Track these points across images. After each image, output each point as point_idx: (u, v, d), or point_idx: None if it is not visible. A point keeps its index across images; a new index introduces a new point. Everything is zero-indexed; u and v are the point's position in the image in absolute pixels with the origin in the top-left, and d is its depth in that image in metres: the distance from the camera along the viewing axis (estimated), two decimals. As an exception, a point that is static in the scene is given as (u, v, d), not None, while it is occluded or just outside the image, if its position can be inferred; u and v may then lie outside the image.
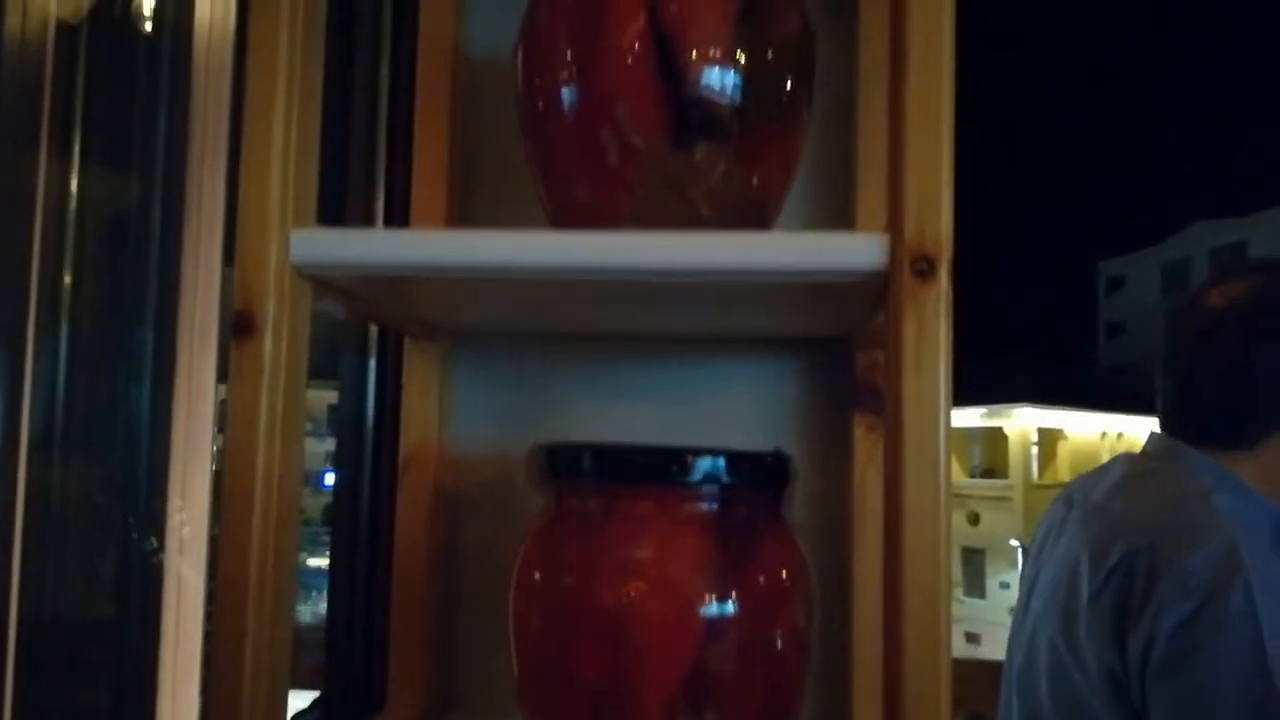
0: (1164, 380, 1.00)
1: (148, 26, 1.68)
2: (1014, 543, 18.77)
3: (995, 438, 20.56)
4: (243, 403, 0.50)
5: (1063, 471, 20.16)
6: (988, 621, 16.90)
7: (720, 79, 0.53)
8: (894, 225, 0.47)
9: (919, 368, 0.46)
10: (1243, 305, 0.94)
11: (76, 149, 1.62)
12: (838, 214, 0.73)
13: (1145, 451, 1.00)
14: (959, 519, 18.92)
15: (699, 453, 0.52)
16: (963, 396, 19.22)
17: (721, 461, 0.52)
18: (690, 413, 0.75)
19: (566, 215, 0.57)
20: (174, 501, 1.16)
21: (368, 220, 0.83)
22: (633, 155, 0.53)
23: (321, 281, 0.54)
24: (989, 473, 20.57)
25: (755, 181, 0.56)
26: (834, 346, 0.72)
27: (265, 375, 0.50)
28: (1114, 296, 29.44)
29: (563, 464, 0.55)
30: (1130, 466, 0.98)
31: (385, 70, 0.90)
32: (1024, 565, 1.08)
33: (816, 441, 0.73)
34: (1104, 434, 20.76)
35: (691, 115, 0.52)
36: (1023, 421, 20.13)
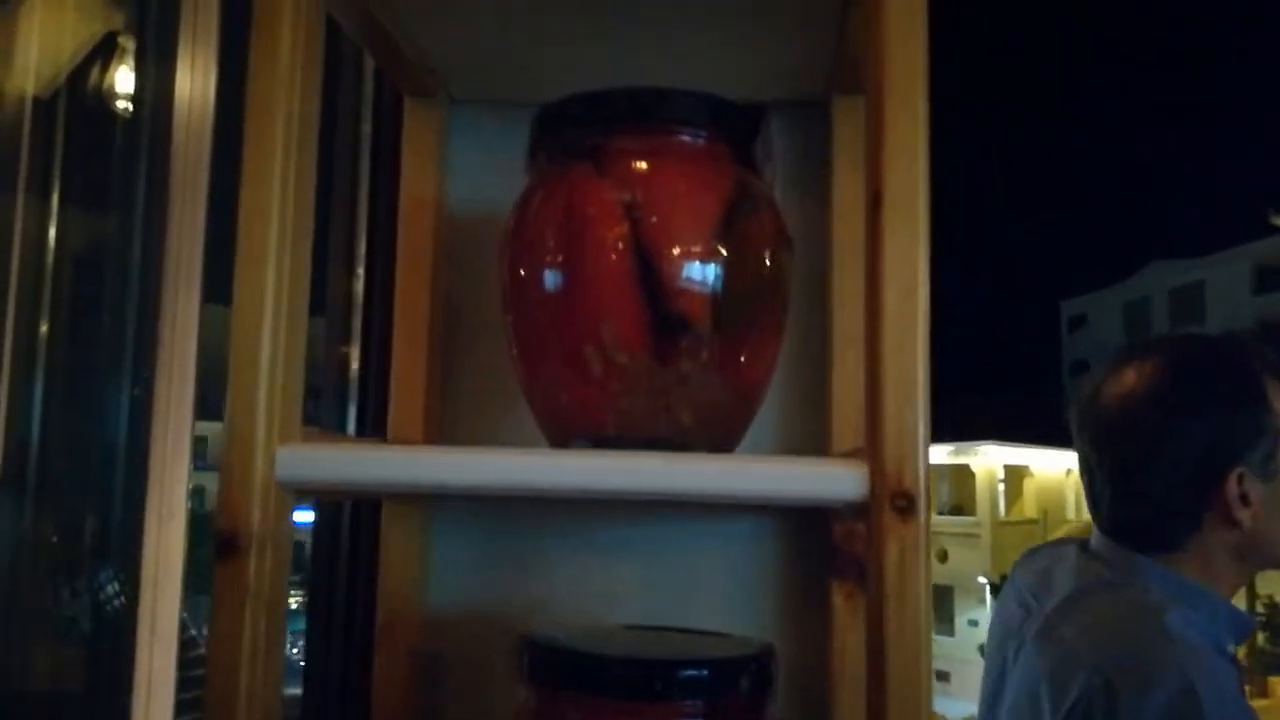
0: (1096, 476, 0.99)
1: (126, 104, 1.68)
2: (982, 579, 18.84)
3: (963, 475, 20.71)
4: (226, 623, 0.50)
5: (1029, 508, 20.32)
6: (956, 659, 16.90)
7: (701, 290, 0.54)
8: (873, 457, 0.48)
9: (901, 598, 0.47)
10: (1155, 390, 0.94)
11: (52, 229, 1.61)
12: (812, 403, 0.74)
13: (1092, 553, 0.99)
14: (927, 556, 18.95)
15: (684, 664, 0.52)
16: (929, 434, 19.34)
17: (706, 672, 0.52)
18: (670, 570, 0.75)
19: (551, 418, 0.58)
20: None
21: (341, 401, 0.85)
22: (617, 369, 0.53)
23: (303, 491, 0.54)
24: (957, 509, 20.70)
25: (735, 387, 0.57)
26: (811, 510, 0.73)
27: (250, 594, 0.50)
28: (1077, 334, 29.89)
29: (543, 668, 0.55)
30: (1080, 577, 0.98)
31: (363, 241, 0.91)
32: (986, 660, 1.08)
33: (795, 601, 0.74)
34: (1069, 471, 20.96)
35: (674, 330, 0.53)
36: (989, 459, 20.30)
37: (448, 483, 0.51)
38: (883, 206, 0.49)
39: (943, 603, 18.64)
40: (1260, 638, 14.71)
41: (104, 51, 1.70)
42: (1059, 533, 19.38)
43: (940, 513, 20.30)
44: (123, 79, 1.66)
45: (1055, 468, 20.91)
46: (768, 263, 0.58)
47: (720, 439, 0.58)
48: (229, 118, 1.42)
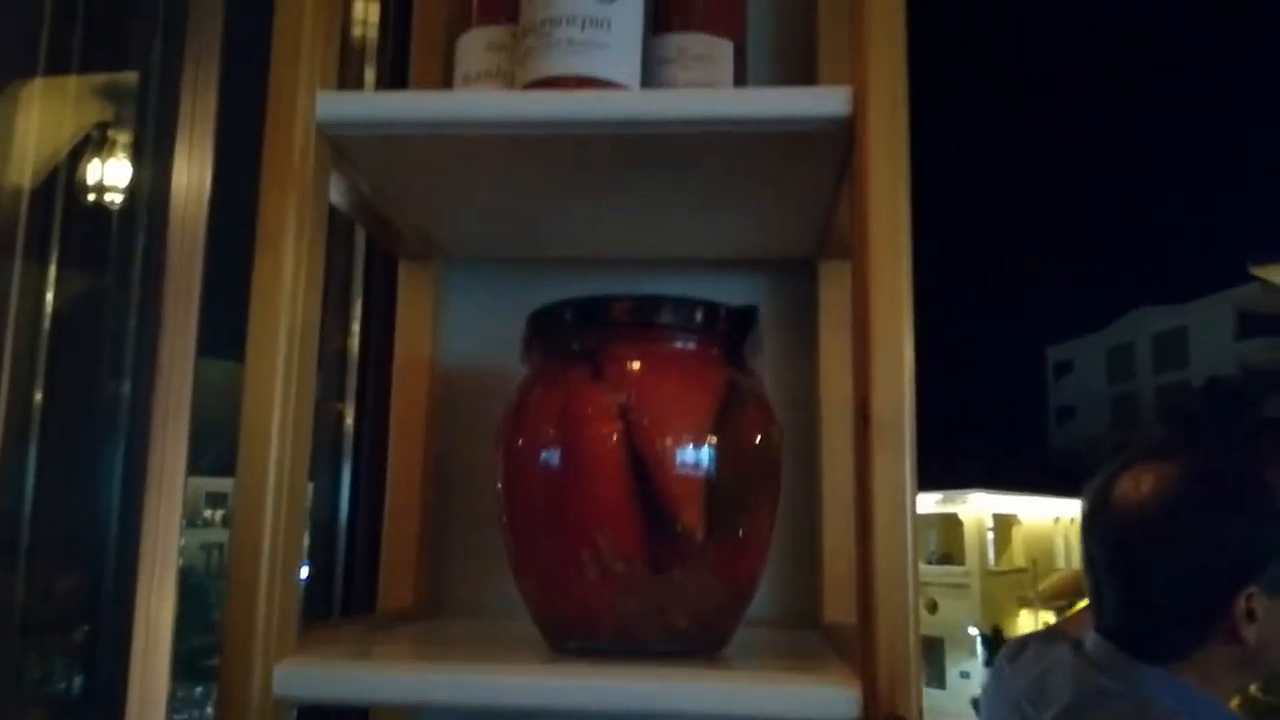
0: (1103, 579, 0.98)
1: (122, 195, 1.70)
2: (972, 630, 18.74)
3: (950, 524, 20.66)
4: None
5: (1019, 557, 20.27)
6: (948, 713, 16.74)
7: (695, 491, 0.55)
8: (866, 680, 0.49)
9: (895, 822, 0.48)
10: (1173, 500, 0.94)
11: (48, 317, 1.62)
12: (803, 567, 0.75)
13: (1089, 657, 0.98)
14: (917, 606, 18.84)
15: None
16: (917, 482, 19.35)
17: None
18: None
19: (544, 613, 0.58)
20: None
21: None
22: (612, 576, 0.54)
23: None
24: (945, 559, 20.62)
25: (730, 584, 0.58)
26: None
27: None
28: (1062, 381, 30.06)
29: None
30: (1078, 684, 0.97)
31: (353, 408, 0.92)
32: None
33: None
34: (1057, 519, 20.98)
35: (669, 538, 0.54)
36: (977, 507, 20.29)
37: (439, 701, 0.51)
38: (871, 427, 0.51)
39: (933, 655, 18.49)
40: None
41: (100, 143, 1.72)
42: (1048, 581, 19.33)
43: (928, 562, 20.22)
44: (119, 170, 1.68)
45: (1044, 515, 20.91)
46: (759, 457, 0.59)
47: (715, 635, 0.58)
48: (223, 209, 1.43)
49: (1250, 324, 23.65)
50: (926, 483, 19.52)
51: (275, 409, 0.53)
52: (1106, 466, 1.03)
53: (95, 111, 1.75)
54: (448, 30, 0.76)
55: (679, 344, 0.58)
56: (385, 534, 0.76)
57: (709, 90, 0.59)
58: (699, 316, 0.58)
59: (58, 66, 1.65)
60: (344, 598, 0.87)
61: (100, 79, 1.77)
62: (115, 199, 1.67)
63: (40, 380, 1.53)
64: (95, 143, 1.74)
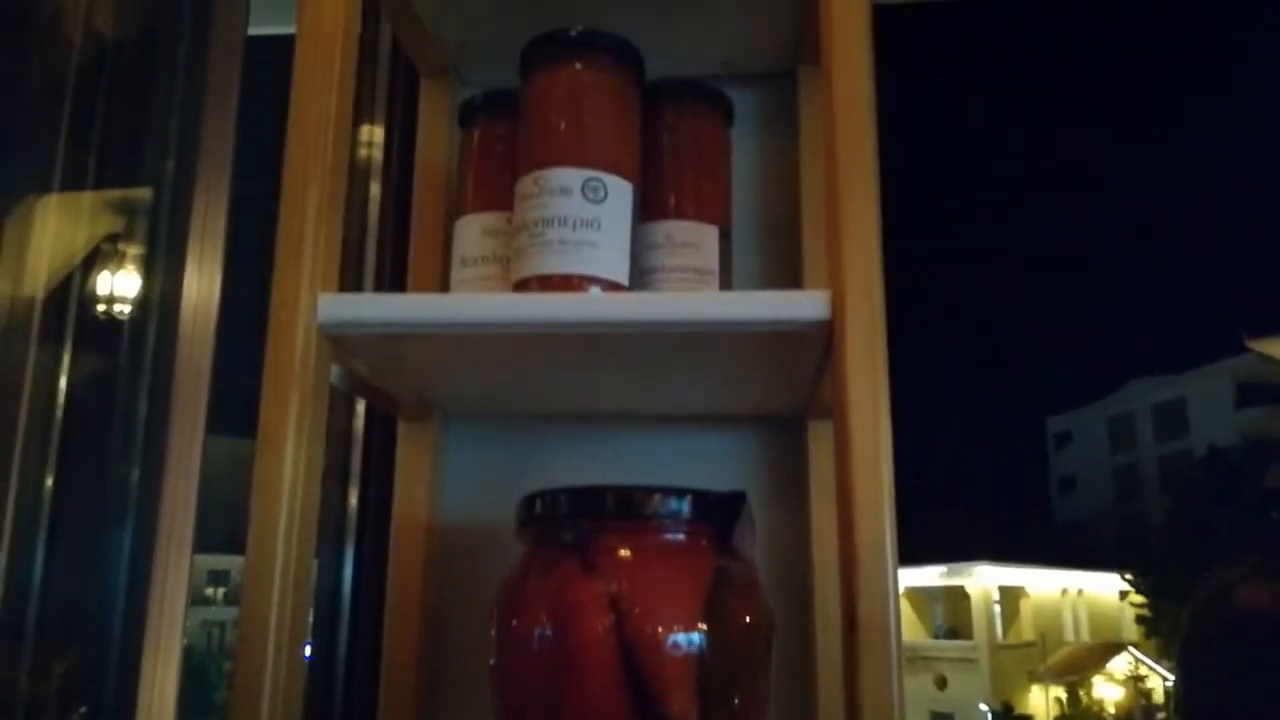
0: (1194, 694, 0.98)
1: (133, 305, 1.73)
2: (983, 707, 18.33)
3: (957, 597, 20.37)
4: None
5: (1027, 630, 19.93)
6: (960, 794, 16.28)
7: (687, 680, 0.56)
8: None
9: None
10: None
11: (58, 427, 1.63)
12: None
13: None
14: (926, 683, 18.49)
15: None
16: (922, 555, 19.18)
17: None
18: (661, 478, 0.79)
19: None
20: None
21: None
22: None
23: None
24: (952, 633, 20.27)
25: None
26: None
27: None
28: (1063, 451, 29.95)
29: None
30: None
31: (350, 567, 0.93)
32: None
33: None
34: (1064, 591, 20.71)
35: (661, 734, 0.55)
36: (984, 579, 20.03)
37: None
38: (857, 633, 0.52)
39: (944, 734, 18.07)
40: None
41: (113, 255, 1.76)
42: (1058, 655, 18.98)
43: (935, 636, 19.89)
44: (130, 280, 1.71)
45: (1051, 587, 20.63)
46: (749, 641, 0.60)
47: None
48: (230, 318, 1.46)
49: (1249, 394, 23.66)
50: (931, 555, 19.32)
51: (273, 607, 0.54)
52: (1216, 579, 1.03)
53: (109, 224, 1.79)
54: (446, 213, 0.79)
55: (668, 535, 0.59)
56: (381, 696, 0.76)
57: (696, 295, 0.61)
58: (688, 507, 0.59)
59: (73, 182, 1.70)
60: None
61: (114, 194, 1.81)
62: (126, 308, 1.70)
63: (51, 471, 1.54)
64: (108, 254, 1.78)
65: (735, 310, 0.57)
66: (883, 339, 0.56)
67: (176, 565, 1.33)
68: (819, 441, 0.79)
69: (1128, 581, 19.51)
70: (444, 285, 0.75)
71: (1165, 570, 18.55)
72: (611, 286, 0.61)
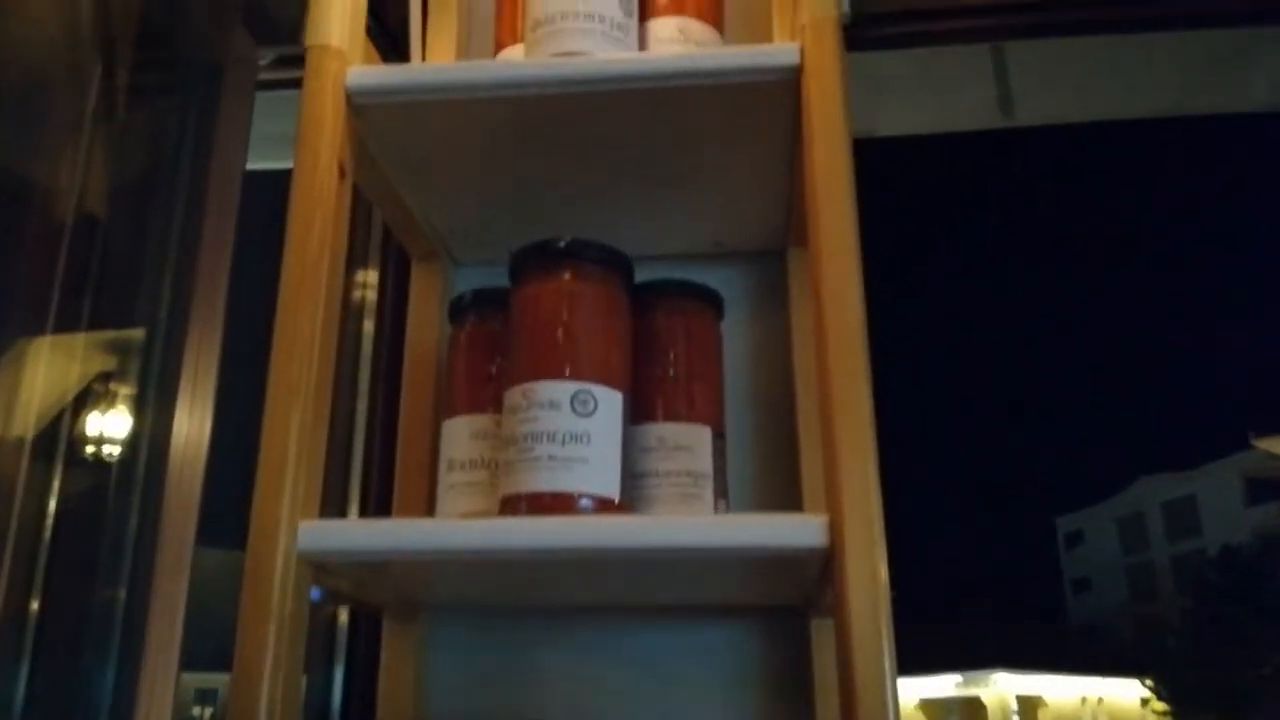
0: None
1: (123, 443, 1.70)
2: (1006, 825, 17.55)
3: (973, 708, 19.73)
4: None
5: (1047, 743, 19.24)
6: None
7: None
8: None
9: None
10: None
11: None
12: None
13: None
14: (946, 802, 17.77)
15: None
16: (935, 663, 18.65)
17: None
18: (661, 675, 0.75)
19: None
20: None
21: None
22: None
23: None
24: (970, 746, 19.58)
25: None
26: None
27: None
28: (1074, 552, 29.49)
29: None
30: None
31: None
32: None
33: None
34: (1084, 699, 20.08)
35: None
36: (1000, 688, 19.43)
37: None
38: None
39: None
40: None
41: (103, 395, 1.75)
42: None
43: (953, 750, 19.20)
44: (121, 419, 1.70)
45: (1069, 694, 20.01)
46: None
47: None
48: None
49: (1259, 490, 23.44)
50: (945, 664, 18.80)
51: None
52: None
53: (101, 364, 1.79)
54: (435, 405, 0.78)
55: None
56: None
57: (689, 521, 0.59)
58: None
59: (67, 325, 1.70)
60: None
61: (107, 334, 1.82)
62: (117, 446, 1.68)
63: (37, 591, 1.49)
64: (99, 393, 1.77)
65: (730, 536, 0.55)
66: (883, 560, 0.54)
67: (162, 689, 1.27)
68: (822, 634, 0.76)
69: (1148, 688, 18.94)
70: (431, 486, 0.73)
71: (1186, 674, 18.04)
72: (602, 503, 0.59)
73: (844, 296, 0.59)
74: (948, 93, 1.82)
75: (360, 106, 0.66)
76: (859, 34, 1.37)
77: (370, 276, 1.02)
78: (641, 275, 0.69)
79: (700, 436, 0.67)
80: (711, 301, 0.72)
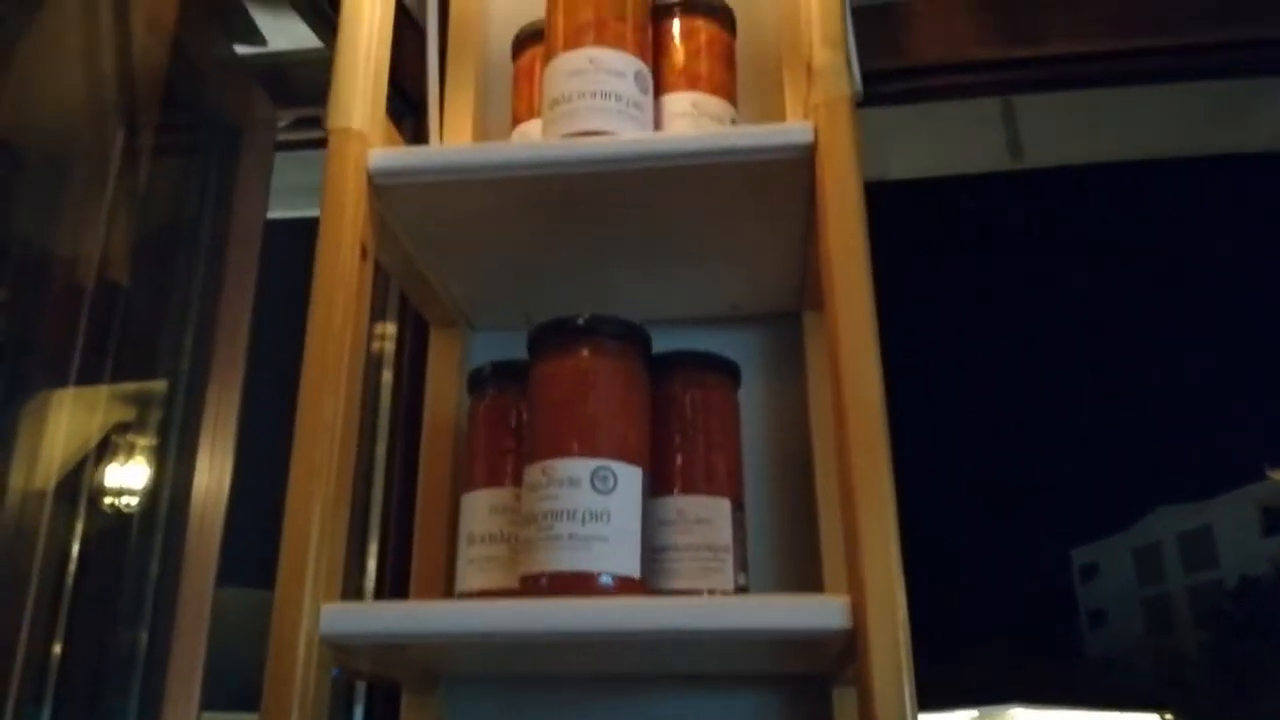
0: None
1: (144, 494, 1.71)
2: None
3: (992, 746, 19.43)
4: None
5: (1067, 781, 18.91)
6: None
7: None
8: None
9: None
10: None
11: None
12: None
13: None
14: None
15: None
16: (951, 700, 18.39)
17: None
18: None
19: None
20: None
21: None
22: None
23: None
24: (989, 785, 19.24)
25: None
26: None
27: None
28: (1090, 584, 29.19)
29: None
30: None
31: None
32: None
33: None
34: (1104, 736, 19.76)
35: None
36: (1018, 725, 19.14)
37: None
38: None
39: None
40: None
41: (124, 445, 1.75)
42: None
43: (970, 789, 18.87)
44: (141, 470, 1.70)
45: (1088, 732, 19.70)
46: None
47: None
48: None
49: (1276, 521, 23.21)
50: (961, 700, 18.54)
51: None
52: None
53: (122, 414, 1.80)
54: (453, 477, 0.78)
55: None
56: None
57: (709, 603, 0.59)
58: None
59: (89, 377, 1.72)
60: None
61: (129, 386, 1.83)
62: (138, 495, 1.69)
63: (60, 636, 1.49)
64: (120, 444, 1.78)
65: (751, 619, 0.55)
66: (906, 639, 0.54)
67: None
68: (844, 701, 0.76)
69: (1168, 724, 18.64)
70: (450, 559, 0.73)
71: (1205, 709, 17.76)
72: (622, 581, 0.59)
73: (862, 375, 0.60)
74: (957, 138, 1.83)
75: (382, 187, 0.68)
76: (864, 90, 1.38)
77: (388, 342, 1.02)
78: (658, 340, 0.70)
79: (720, 509, 0.67)
80: (729, 372, 0.72)
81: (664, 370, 0.70)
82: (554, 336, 0.65)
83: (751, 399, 0.82)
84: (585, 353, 0.64)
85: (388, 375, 1.02)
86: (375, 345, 1.11)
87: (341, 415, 0.60)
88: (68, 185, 1.25)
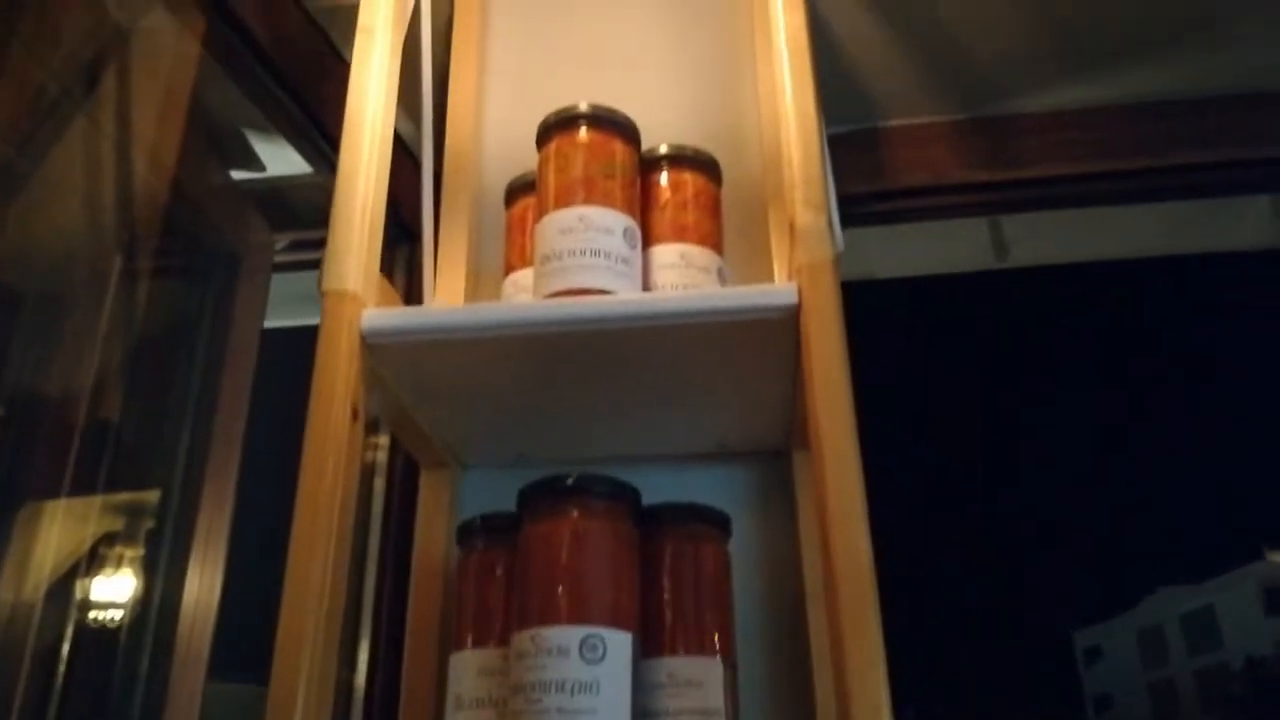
0: None
1: (132, 604, 1.68)
2: None
3: (999, 838, 18.83)
4: None
5: None
6: None
7: None
8: None
9: None
10: None
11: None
12: None
13: None
14: None
15: None
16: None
17: None
18: None
19: None
20: None
21: None
22: None
23: None
24: None
25: None
26: None
27: None
28: (1094, 667, 28.67)
29: None
30: None
31: None
32: None
33: None
34: (1114, 827, 19.14)
35: None
36: (1025, 817, 18.57)
37: None
38: None
39: None
40: None
41: (114, 554, 1.73)
42: None
43: None
44: (130, 581, 1.68)
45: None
46: None
47: None
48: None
49: (1278, 600, 22.95)
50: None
51: None
52: None
53: (114, 524, 1.78)
54: (440, 636, 0.78)
55: None
56: None
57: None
58: None
59: (81, 488, 1.70)
60: None
61: (122, 496, 1.81)
62: (126, 608, 1.66)
63: None
64: (111, 554, 1.76)
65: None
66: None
67: None
68: None
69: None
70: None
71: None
72: (613, 757, 0.58)
73: (851, 536, 0.60)
74: (943, 238, 1.86)
75: (374, 346, 0.69)
76: (847, 211, 1.42)
77: (378, 482, 1.03)
78: (646, 477, 0.70)
79: (711, 670, 0.66)
80: (720, 525, 0.72)
81: (654, 524, 0.70)
82: (543, 497, 0.66)
83: (742, 539, 0.81)
84: (574, 514, 0.64)
85: (378, 505, 1.01)
86: (362, 500, 1.11)
87: (329, 581, 0.59)
88: (65, 313, 1.26)
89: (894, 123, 1.37)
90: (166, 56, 1.15)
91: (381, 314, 0.68)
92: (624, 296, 0.70)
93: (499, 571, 0.70)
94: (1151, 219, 1.79)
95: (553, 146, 0.76)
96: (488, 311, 0.69)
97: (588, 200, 0.73)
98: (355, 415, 0.66)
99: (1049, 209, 1.45)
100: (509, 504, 0.69)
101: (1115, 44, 1.27)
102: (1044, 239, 1.90)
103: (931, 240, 1.87)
